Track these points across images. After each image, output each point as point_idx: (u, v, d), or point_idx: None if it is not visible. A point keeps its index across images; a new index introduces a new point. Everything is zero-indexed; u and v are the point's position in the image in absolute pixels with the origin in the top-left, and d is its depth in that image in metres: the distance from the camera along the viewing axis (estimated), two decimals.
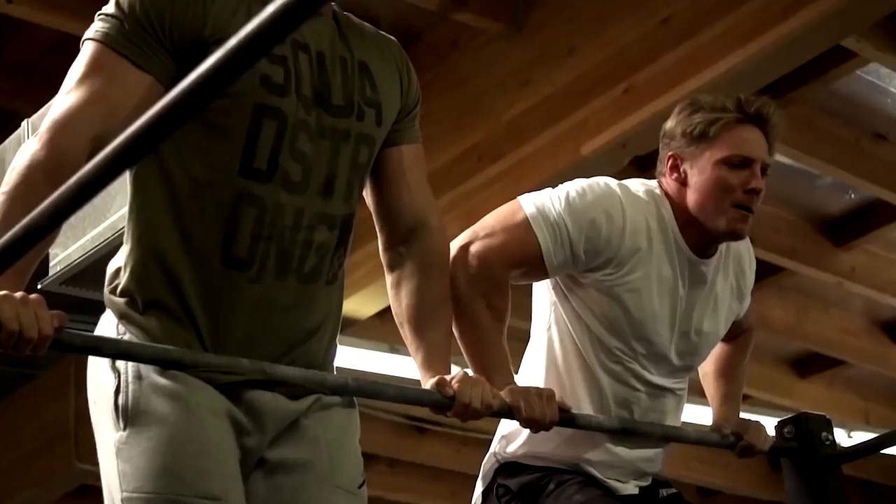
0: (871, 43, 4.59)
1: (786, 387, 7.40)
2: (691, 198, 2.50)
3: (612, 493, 2.49)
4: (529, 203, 2.49)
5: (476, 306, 2.40)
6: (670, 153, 2.54)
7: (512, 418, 2.24)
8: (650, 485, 2.57)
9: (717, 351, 2.77)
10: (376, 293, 4.89)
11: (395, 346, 5.87)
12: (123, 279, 2.00)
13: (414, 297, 2.18)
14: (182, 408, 1.92)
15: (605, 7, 4.34)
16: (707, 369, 2.77)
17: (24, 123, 3.24)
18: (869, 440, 2.99)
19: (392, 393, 2.12)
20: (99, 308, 2.09)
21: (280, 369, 1.96)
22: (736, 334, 2.77)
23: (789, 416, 2.79)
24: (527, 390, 2.26)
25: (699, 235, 2.51)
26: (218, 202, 1.96)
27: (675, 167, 2.53)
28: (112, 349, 1.88)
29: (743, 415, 2.77)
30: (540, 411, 2.23)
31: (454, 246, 2.41)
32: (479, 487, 2.58)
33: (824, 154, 5.33)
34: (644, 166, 5.37)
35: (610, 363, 2.49)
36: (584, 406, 2.48)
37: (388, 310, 5.33)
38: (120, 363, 1.96)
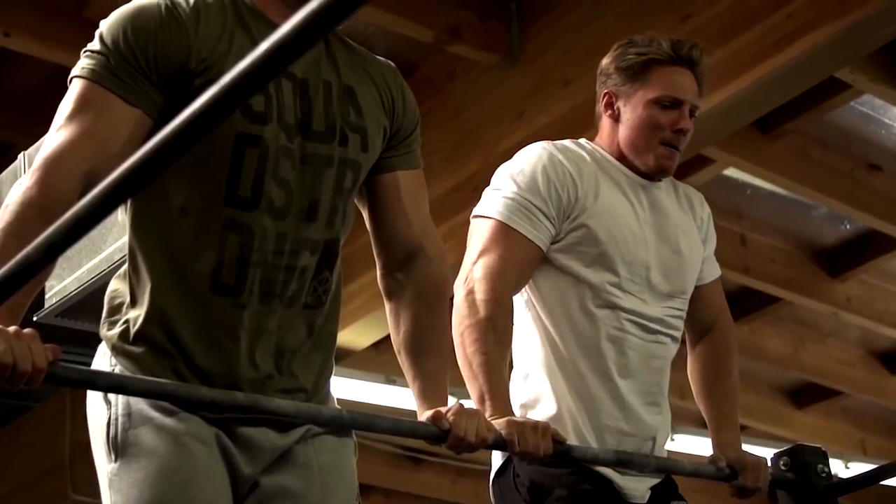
0: (866, 74, 4.61)
1: (782, 417, 7.40)
2: (623, 133, 2.61)
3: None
4: (490, 210, 2.54)
5: (483, 328, 2.40)
6: (606, 91, 2.64)
7: (506, 450, 2.23)
8: (660, 489, 2.56)
9: (700, 358, 2.75)
10: (372, 324, 4.90)
11: (392, 377, 5.87)
12: (120, 312, 2.02)
13: (412, 324, 2.18)
14: (171, 438, 1.93)
15: (600, 38, 4.36)
16: (697, 387, 2.75)
17: (20, 156, 3.25)
18: (865, 472, 2.98)
19: (386, 425, 2.11)
20: (95, 340, 2.09)
21: (274, 402, 1.96)
22: (709, 323, 2.75)
23: (785, 447, 2.78)
24: (522, 423, 2.26)
25: (636, 167, 2.62)
26: (205, 231, 1.97)
27: (609, 104, 2.63)
28: (106, 382, 1.88)
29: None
30: (534, 444, 2.22)
31: (458, 290, 2.42)
32: (497, 456, 2.55)
33: (819, 184, 5.35)
34: None
35: (599, 308, 2.51)
36: (579, 362, 2.49)
37: (384, 341, 5.36)
38: (112, 395, 1.97)
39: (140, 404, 1.95)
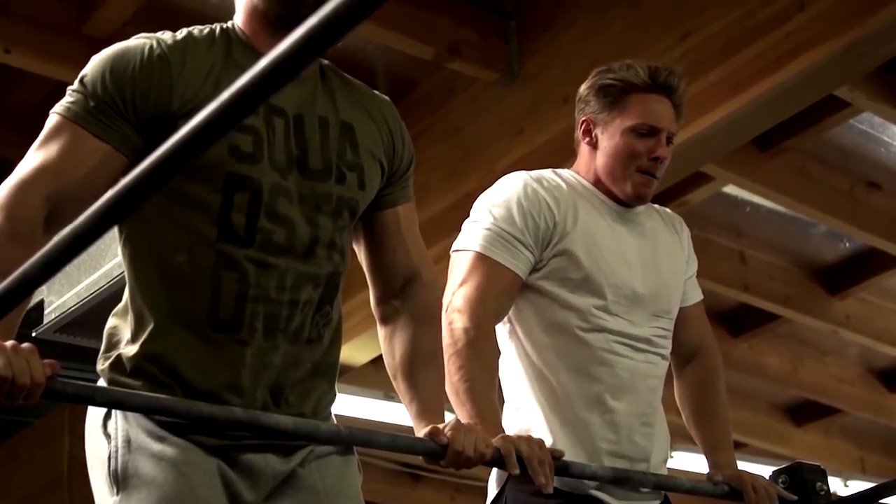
0: (865, 93, 4.62)
1: (781, 435, 7.39)
2: (600, 161, 2.63)
3: None
4: (469, 243, 2.55)
5: (465, 356, 2.40)
6: (584, 118, 2.66)
7: (503, 467, 2.23)
8: None
9: (688, 382, 2.75)
10: (370, 341, 4.90)
11: (390, 393, 5.87)
12: (117, 347, 2.03)
13: (407, 348, 2.20)
14: (171, 468, 1.93)
15: (599, 57, 4.36)
16: (688, 412, 2.75)
17: None
18: (863, 490, 2.98)
19: (384, 441, 2.11)
20: (94, 355, 2.10)
21: (273, 418, 1.96)
22: (694, 346, 2.76)
23: (784, 465, 2.78)
24: (517, 438, 2.26)
25: (613, 194, 2.63)
26: (200, 267, 1.98)
27: (587, 131, 2.65)
28: (105, 398, 1.88)
29: (739, 464, 2.76)
30: (531, 456, 2.22)
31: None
32: (493, 485, 2.56)
33: (818, 202, 5.35)
34: None
35: (587, 332, 2.51)
36: (569, 389, 2.49)
37: (382, 357, 5.35)
38: (111, 429, 1.98)
39: (140, 436, 1.96)
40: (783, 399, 7.39)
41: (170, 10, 4.27)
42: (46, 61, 4.25)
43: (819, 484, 2.70)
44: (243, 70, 1.98)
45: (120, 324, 2.04)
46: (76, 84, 1.99)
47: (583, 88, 2.66)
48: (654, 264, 2.62)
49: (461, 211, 4.69)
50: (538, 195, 2.55)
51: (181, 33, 2.03)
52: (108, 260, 3.29)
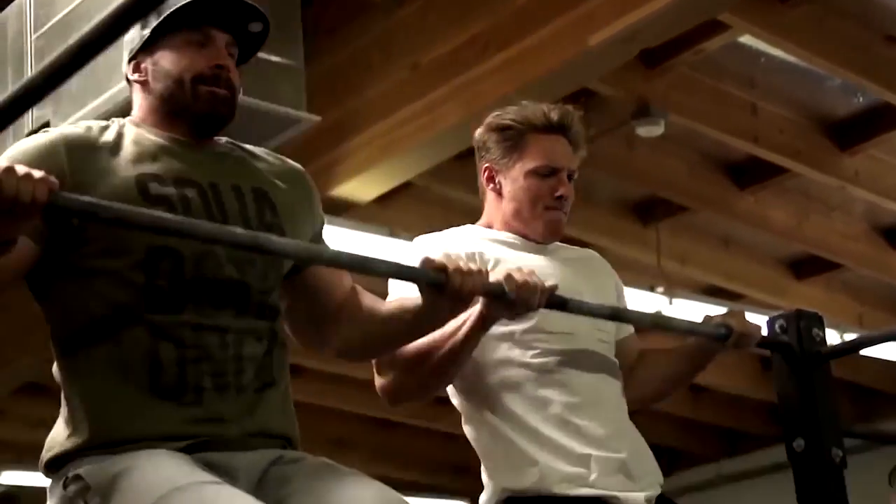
0: None
1: (781, 287, 7.44)
2: (507, 206, 2.66)
3: None
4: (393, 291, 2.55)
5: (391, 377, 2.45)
6: (486, 165, 2.68)
7: (504, 295, 2.22)
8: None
9: (637, 368, 2.76)
10: (377, 177, 4.87)
11: (395, 230, 5.88)
12: (62, 437, 2.04)
13: (369, 317, 2.27)
14: (149, 458, 1.94)
15: None
16: (651, 386, 2.77)
17: None
18: (856, 338, 3.02)
19: (384, 269, 2.10)
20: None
21: (276, 242, 1.96)
22: (634, 361, 2.77)
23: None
24: (508, 269, 2.25)
25: (526, 235, 2.65)
26: (133, 338, 2.01)
27: (490, 178, 2.68)
28: (108, 213, 1.85)
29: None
30: (531, 282, 2.20)
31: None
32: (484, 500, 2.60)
33: (834, 55, 5.29)
34: (651, 60, 5.33)
35: (533, 359, 2.53)
36: (529, 418, 2.50)
37: (388, 195, 5.35)
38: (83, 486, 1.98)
39: (105, 470, 1.96)
40: (786, 253, 7.42)
41: None
42: None
43: (815, 330, 2.70)
44: (127, 139, 2.09)
45: (62, 422, 2.06)
46: None
47: (479, 134, 2.68)
48: (583, 282, 2.61)
49: (471, 52, 4.65)
50: (446, 246, 2.53)
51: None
52: (113, 83, 3.28)
